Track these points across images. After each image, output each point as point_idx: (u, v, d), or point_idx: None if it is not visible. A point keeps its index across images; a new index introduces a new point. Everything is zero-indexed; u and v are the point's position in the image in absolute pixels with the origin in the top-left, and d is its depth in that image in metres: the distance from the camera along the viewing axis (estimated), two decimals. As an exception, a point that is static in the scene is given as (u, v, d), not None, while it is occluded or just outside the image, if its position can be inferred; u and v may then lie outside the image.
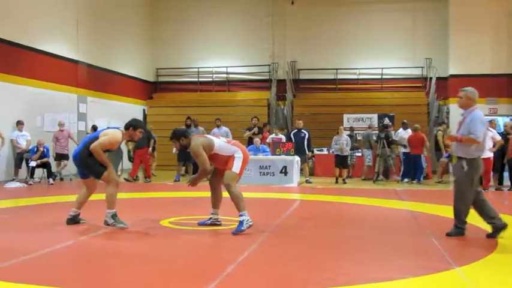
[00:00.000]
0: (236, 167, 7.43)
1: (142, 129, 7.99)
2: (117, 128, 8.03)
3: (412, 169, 16.02)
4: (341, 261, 5.80)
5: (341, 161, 16.07)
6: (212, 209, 7.89)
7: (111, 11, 21.13)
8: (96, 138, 7.60)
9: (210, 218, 7.87)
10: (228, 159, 7.48)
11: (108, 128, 8.72)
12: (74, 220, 7.83)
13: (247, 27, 24.29)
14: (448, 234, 7.07)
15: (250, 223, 7.23)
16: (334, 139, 16.32)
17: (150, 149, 16.37)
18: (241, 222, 7.21)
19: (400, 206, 10.61)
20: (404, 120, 17.33)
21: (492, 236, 6.94)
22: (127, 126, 7.79)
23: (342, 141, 16.06)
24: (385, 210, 10.22)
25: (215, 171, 7.80)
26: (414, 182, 15.76)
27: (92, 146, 7.43)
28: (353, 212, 10.03)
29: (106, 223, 7.52)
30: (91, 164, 7.55)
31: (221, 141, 7.73)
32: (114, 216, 7.52)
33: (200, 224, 7.87)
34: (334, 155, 16.27)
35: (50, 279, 4.87)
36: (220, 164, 7.58)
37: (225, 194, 7.56)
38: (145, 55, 24.36)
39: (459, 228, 7.08)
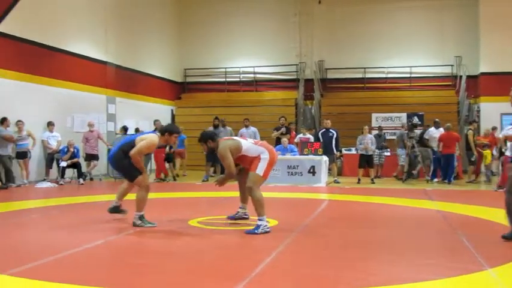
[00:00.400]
0: (260, 168, 7.44)
1: (178, 134, 8.13)
2: (153, 132, 8.16)
3: (443, 168, 15.81)
4: (371, 262, 5.75)
5: (367, 161, 15.93)
6: (241, 203, 8.11)
7: (139, 12, 21.30)
8: (132, 141, 7.73)
9: (238, 212, 8.10)
10: (253, 160, 7.51)
11: (138, 131, 8.85)
12: (115, 210, 8.16)
13: (274, 27, 24.24)
14: (504, 237, 6.73)
15: (267, 229, 7.22)
16: (359, 139, 16.19)
17: (167, 148, 16.27)
18: (258, 226, 7.22)
19: (430, 206, 10.47)
20: (437, 119, 17.03)
21: None
22: (163, 132, 7.88)
23: (367, 141, 15.90)
24: (414, 210, 10.11)
25: (244, 171, 7.84)
26: (445, 181, 15.54)
27: (132, 154, 7.54)
28: (382, 212, 9.94)
29: (134, 224, 7.67)
30: (126, 165, 7.70)
31: (248, 142, 7.79)
32: (141, 217, 7.71)
33: (229, 218, 8.12)
34: (359, 155, 16.14)
35: (80, 278, 4.92)
36: (247, 164, 7.64)
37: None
38: (173, 55, 24.51)
39: None
